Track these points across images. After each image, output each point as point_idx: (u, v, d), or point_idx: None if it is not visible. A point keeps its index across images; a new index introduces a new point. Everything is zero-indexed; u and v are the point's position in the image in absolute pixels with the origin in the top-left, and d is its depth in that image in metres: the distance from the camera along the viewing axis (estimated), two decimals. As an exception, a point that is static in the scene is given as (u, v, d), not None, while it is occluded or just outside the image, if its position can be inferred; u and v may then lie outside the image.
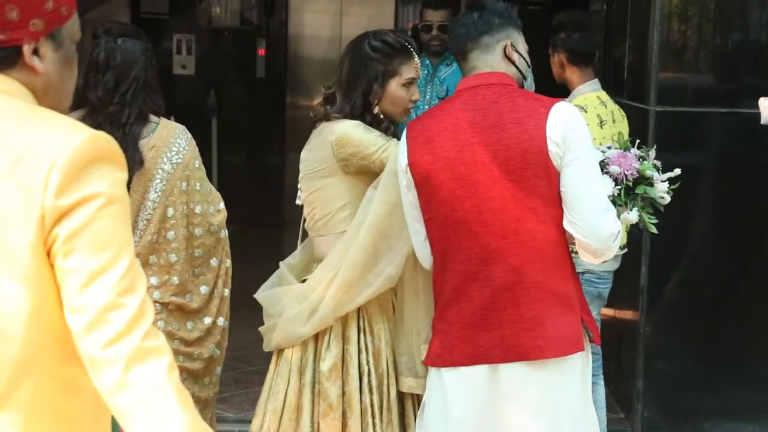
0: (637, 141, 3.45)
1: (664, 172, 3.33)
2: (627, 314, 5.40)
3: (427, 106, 5.06)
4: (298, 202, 3.60)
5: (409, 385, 3.45)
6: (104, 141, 1.79)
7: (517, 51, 3.12)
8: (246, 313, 4.13)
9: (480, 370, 3.02)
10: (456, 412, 3.06)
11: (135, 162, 3.46)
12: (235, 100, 10.14)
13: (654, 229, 3.29)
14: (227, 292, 3.75)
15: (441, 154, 3.02)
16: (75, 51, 1.94)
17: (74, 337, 1.76)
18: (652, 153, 3.35)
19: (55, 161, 1.72)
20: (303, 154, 3.55)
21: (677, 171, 3.35)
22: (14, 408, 1.76)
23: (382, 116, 3.47)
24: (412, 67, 3.47)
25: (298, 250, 3.68)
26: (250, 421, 3.61)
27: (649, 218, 3.28)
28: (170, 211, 3.56)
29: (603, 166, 3.24)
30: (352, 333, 3.45)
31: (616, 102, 4.62)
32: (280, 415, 3.47)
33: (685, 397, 5.16)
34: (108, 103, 3.50)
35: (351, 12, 9.55)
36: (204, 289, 3.67)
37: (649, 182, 3.27)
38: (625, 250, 4.48)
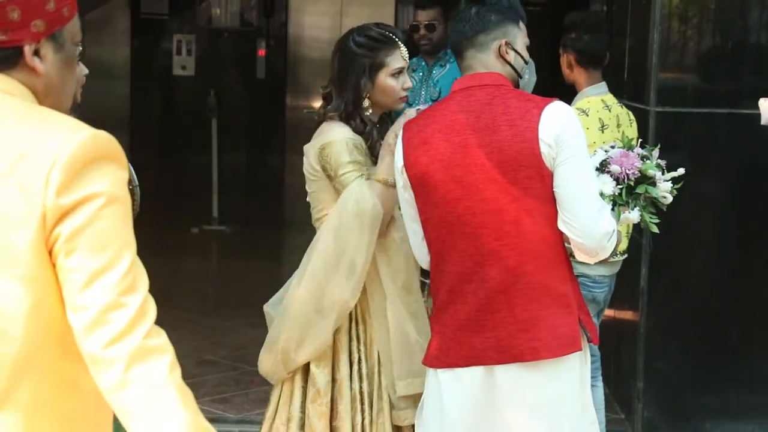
0: (640, 140, 3.44)
1: (666, 172, 3.32)
2: (627, 314, 5.40)
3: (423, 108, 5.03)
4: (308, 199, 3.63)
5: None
6: (105, 140, 1.79)
7: (513, 49, 3.09)
8: (245, 312, 4.13)
9: (475, 372, 3.01)
10: (452, 413, 3.05)
11: None
12: (235, 101, 10.15)
13: (655, 229, 3.28)
14: None
15: (436, 155, 3.01)
16: (76, 52, 1.94)
17: (76, 337, 1.76)
18: (656, 152, 3.33)
19: (56, 160, 1.72)
20: (304, 157, 3.57)
21: (681, 170, 3.33)
22: (15, 407, 1.76)
23: (370, 112, 3.48)
24: (399, 57, 3.48)
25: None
26: (250, 421, 3.62)
27: (651, 218, 3.27)
28: None
29: (604, 165, 3.24)
30: (344, 321, 3.48)
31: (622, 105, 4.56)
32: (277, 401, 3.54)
33: (685, 397, 5.16)
34: None
35: (351, 13, 9.55)
36: None
37: (651, 182, 3.26)
38: (625, 255, 4.43)
